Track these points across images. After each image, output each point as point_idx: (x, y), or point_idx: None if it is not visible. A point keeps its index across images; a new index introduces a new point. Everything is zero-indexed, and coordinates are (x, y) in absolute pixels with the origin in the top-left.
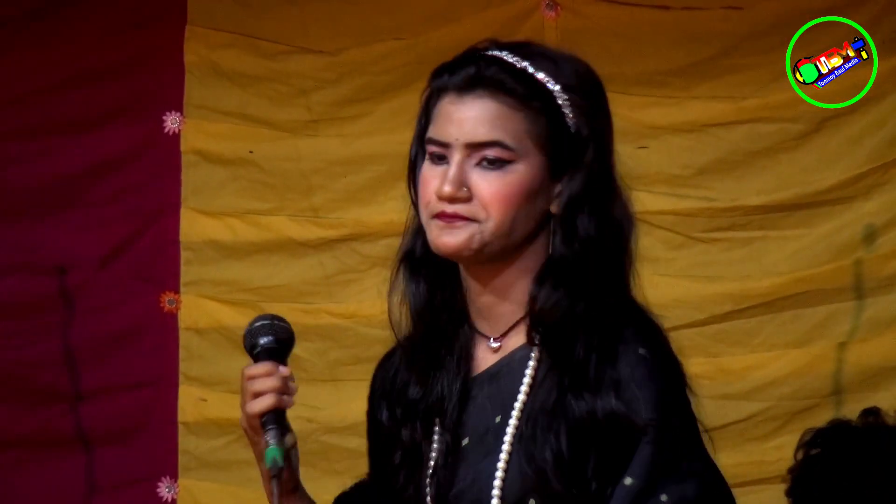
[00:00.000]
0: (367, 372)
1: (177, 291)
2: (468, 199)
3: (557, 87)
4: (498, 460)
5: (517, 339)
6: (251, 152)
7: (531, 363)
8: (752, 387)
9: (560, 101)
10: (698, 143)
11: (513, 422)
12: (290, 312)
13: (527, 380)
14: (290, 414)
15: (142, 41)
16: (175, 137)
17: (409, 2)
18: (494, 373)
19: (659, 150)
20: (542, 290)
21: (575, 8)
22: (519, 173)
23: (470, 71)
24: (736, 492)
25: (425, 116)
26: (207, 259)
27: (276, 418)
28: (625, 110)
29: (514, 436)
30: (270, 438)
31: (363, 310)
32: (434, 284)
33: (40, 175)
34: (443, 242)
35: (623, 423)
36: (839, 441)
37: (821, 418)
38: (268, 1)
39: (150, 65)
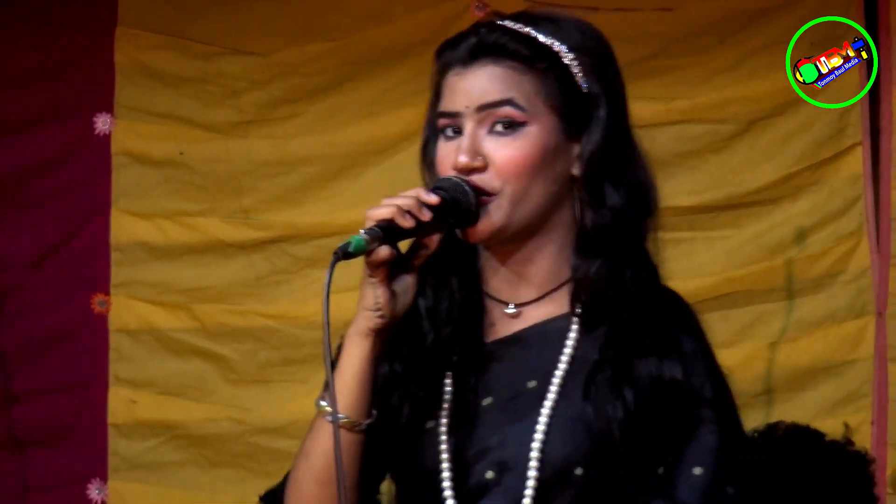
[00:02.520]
0: (296, 373)
1: (107, 293)
2: (484, 168)
3: (564, 48)
4: (537, 423)
5: (548, 307)
6: (182, 154)
7: (572, 333)
8: None
9: (567, 61)
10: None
11: (554, 388)
12: (220, 313)
13: (568, 350)
14: (220, 414)
15: (72, 42)
16: (105, 139)
17: (342, 3)
18: (522, 338)
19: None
20: (583, 261)
21: (505, 9)
22: (532, 135)
23: (471, 41)
24: None
25: (435, 98)
26: (138, 260)
27: (386, 227)
28: None
29: (556, 402)
30: (363, 232)
31: (293, 311)
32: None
33: None
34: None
35: (687, 394)
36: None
37: (751, 418)
38: (199, 2)
39: (80, 66)
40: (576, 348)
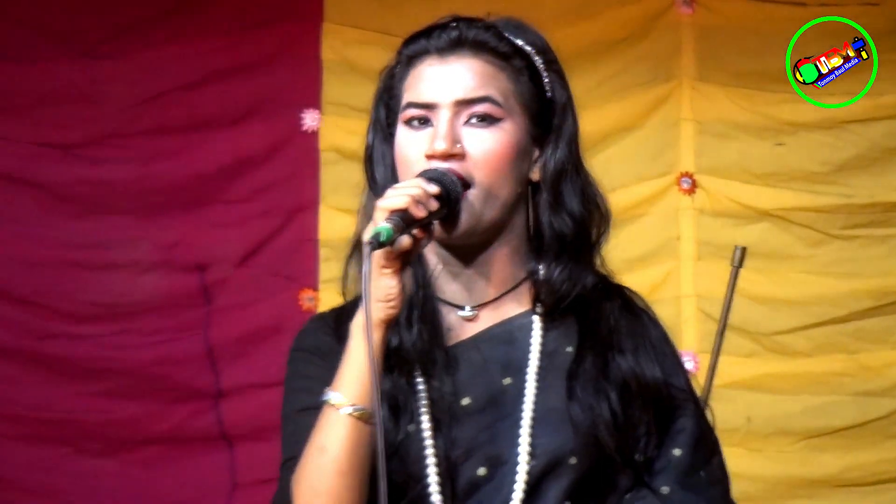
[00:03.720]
0: None
1: (315, 289)
2: (462, 158)
3: (533, 50)
4: (521, 417)
5: (504, 308)
6: None
7: (536, 330)
8: (892, 383)
9: (538, 64)
10: (837, 139)
11: (531, 384)
12: None
13: (536, 346)
14: None
15: (279, 38)
16: (313, 135)
17: (545, 0)
18: (486, 339)
19: (797, 147)
20: (543, 264)
21: (710, 5)
22: (508, 132)
23: (452, 33)
24: (876, 489)
25: (388, 93)
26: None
27: (400, 216)
28: (762, 107)
29: (536, 396)
30: (384, 222)
31: None
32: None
33: (178, 173)
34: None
35: (666, 388)
36: None
37: None
38: None
39: (287, 62)
40: (543, 343)
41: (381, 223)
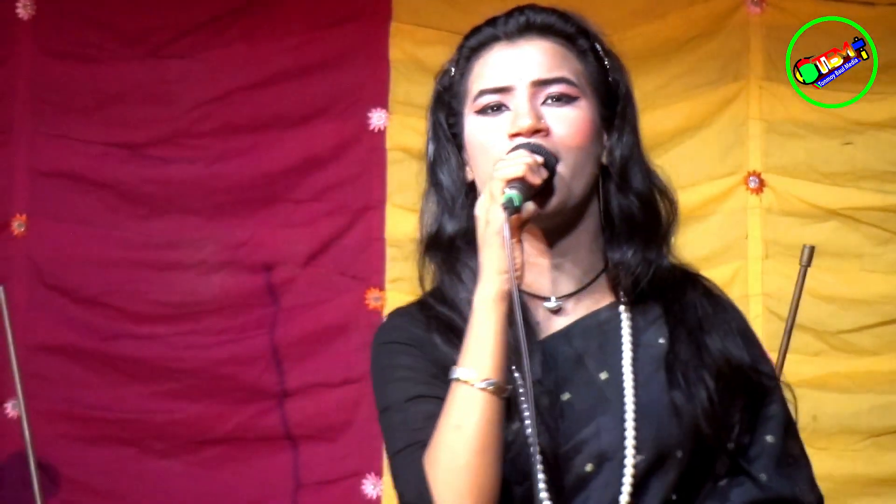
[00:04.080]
0: None
1: (382, 288)
2: (547, 132)
3: (593, 34)
4: (624, 412)
5: (589, 299)
6: None
7: (625, 322)
8: None
9: (599, 50)
10: None
11: (629, 377)
12: None
13: (627, 338)
14: None
15: (347, 37)
16: (380, 134)
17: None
18: (575, 332)
19: (866, 146)
20: (619, 250)
21: (780, 4)
22: (585, 109)
23: (520, 18)
24: None
25: (450, 94)
26: (412, 256)
27: (520, 184)
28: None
29: (635, 389)
30: (510, 190)
31: None
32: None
33: (246, 172)
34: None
35: (753, 370)
36: None
37: None
38: None
39: (354, 61)
40: (633, 335)
41: (507, 191)
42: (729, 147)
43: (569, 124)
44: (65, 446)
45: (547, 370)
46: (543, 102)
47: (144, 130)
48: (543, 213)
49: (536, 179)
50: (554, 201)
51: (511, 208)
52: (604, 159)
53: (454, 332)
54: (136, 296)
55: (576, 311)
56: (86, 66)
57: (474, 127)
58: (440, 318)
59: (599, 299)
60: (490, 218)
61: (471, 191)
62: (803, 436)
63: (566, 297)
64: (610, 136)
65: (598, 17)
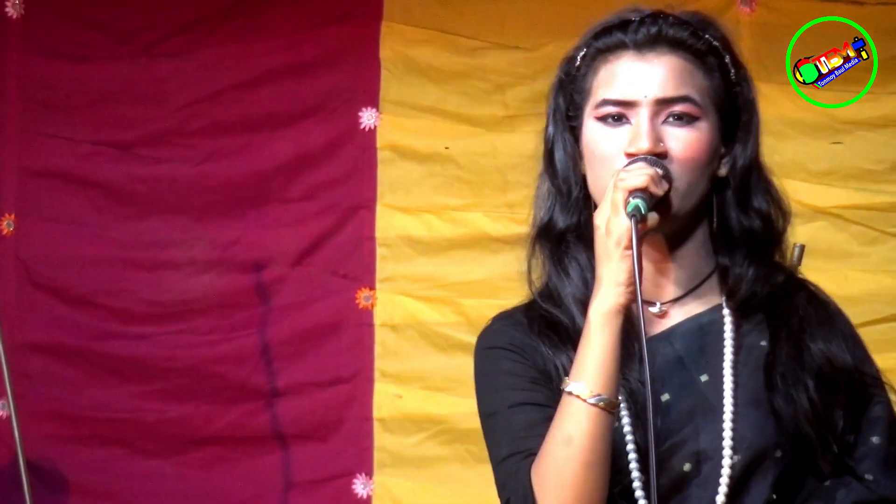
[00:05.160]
0: None
1: (372, 287)
2: (664, 156)
3: (721, 47)
4: (723, 412)
5: (693, 303)
6: (447, 148)
7: (728, 325)
8: None
9: (727, 61)
10: (893, 138)
11: (728, 379)
12: (486, 308)
13: (729, 341)
14: None
15: (338, 37)
16: (371, 133)
17: None
18: (678, 334)
19: (853, 145)
20: (734, 262)
21: (770, 4)
22: (704, 131)
23: (651, 29)
24: None
25: (573, 85)
26: (403, 255)
27: (643, 195)
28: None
29: (734, 391)
30: (635, 199)
31: None
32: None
33: (237, 171)
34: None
35: (857, 373)
36: None
37: None
38: None
39: (346, 60)
40: (735, 338)
41: (632, 200)
42: None
43: (686, 146)
44: (54, 446)
45: (643, 372)
46: (665, 120)
47: (134, 130)
48: (661, 225)
49: (659, 191)
50: (670, 214)
51: (638, 216)
52: (722, 172)
53: (557, 333)
54: (126, 295)
55: (679, 314)
56: (76, 66)
57: (593, 133)
58: (544, 317)
59: (704, 302)
60: (611, 228)
61: (584, 186)
62: None
63: (671, 301)
64: (730, 148)
65: (586, 17)
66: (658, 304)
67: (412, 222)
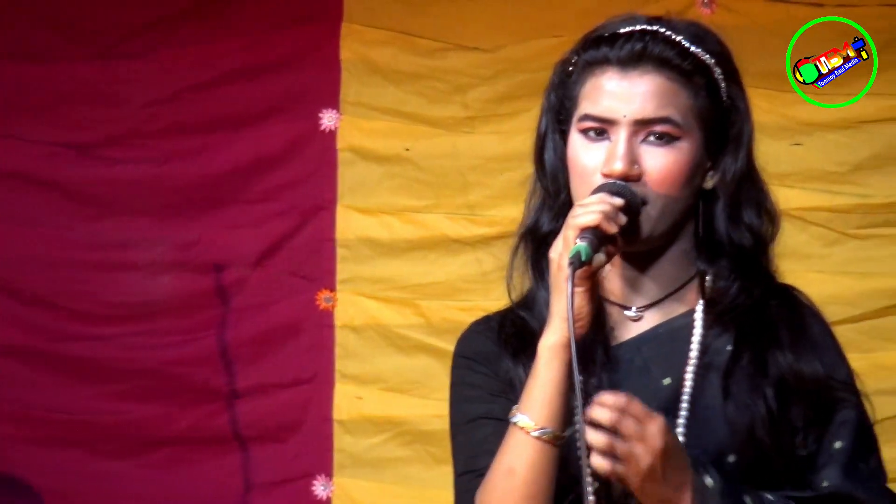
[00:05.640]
0: None
1: (333, 289)
2: (638, 178)
3: (713, 61)
4: (678, 417)
5: (669, 307)
6: (407, 149)
7: (697, 328)
8: None
9: (717, 76)
10: (853, 139)
11: (689, 383)
12: (446, 310)
13: (696, 344)
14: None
15: (298, 38)
16: (331, 135)
17: None
18: (649, 339)
19: (814, 147)
20: (714, 270)
21: (730, 5)
22: (684, 151)
23: (636, 46)
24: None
25: (563, 89)
26: (363, 257)
27: (593, 234)
28: (779, 108)
29: (693, 395)
30: (581, 241)
31: None
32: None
33: (196, 172)
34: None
35: (826, 383)
36: None
37: None
38: None
39: (306, 61)
40: (702, 342)
41: (578, 241)
42: None
43: (663, 167)
44: (13, 448)
45: (607, 375)
46: (645, 139)
47: (94, 131)
48: (628, 247)
49: (612, 228)
50: (638, 238)
51: (577, 262)
52: (708, 184)
53: (524, 341)
54: (85, 296)
55: (654, 318)
56: (35, 66)
57: (575, 144)
58: (514, 324)
59: (680, 306)
60: (562, 263)
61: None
62: None
63: (647, 306)
64: (719, 162)
65: (546, 18)
66: (633, 308)
67: (372, 224)
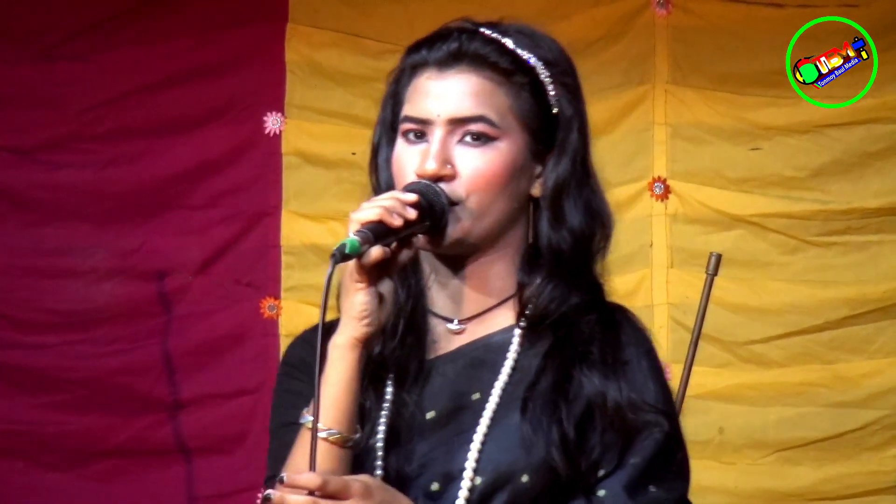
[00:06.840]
0: None
1: (277, 297)
2: (452, 178)
3: (540, 64)
4: (475, 433)
5: (491, 321)
6: (354, 154)
7: (514, 345)
8: (868, 394)
9: (543, 78)
10: (813, 144)
11: (494, 399)
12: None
13: (509, 361)
14: None
15: (242, 39)
16: (276, 138)
17: (516, 0)
18: (466, 353)
19: (773, 151)
20: (533, 281)
21: (687, 6)
22: (503, 151)
23: (452, 46)
24: (851, 502)
25: (394, 98)
26: (309, 264)
27: (373, 228)
28: (738, 111)
29: (496, 412)
30: (354, 235)
31: None
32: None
33: (139, 177)
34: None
35: (632, 405)
36: None
37: None
38: None
39: (250, 64)
40: (517, 360)
41: (351, 235)
42: (633, 152)
43: (478, 167)
44: None
45: (419, 387)
46: (461, 139)
47: (34, 134)
48: (439, 249)
49: (396, 221)
50: (448, 239)
51: (338, 255)
52: (535, 192)
53: None
54: (25, 304)
55: (475, 333)
56: None
57: (398, 148)
58: (330, 332)
59: (503, 321)
60: (351, 264)
61: None
62: (709, 450)
63: (469, 318)
64: (545, 167)
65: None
66: (455, 320)
67: (318, 230)
